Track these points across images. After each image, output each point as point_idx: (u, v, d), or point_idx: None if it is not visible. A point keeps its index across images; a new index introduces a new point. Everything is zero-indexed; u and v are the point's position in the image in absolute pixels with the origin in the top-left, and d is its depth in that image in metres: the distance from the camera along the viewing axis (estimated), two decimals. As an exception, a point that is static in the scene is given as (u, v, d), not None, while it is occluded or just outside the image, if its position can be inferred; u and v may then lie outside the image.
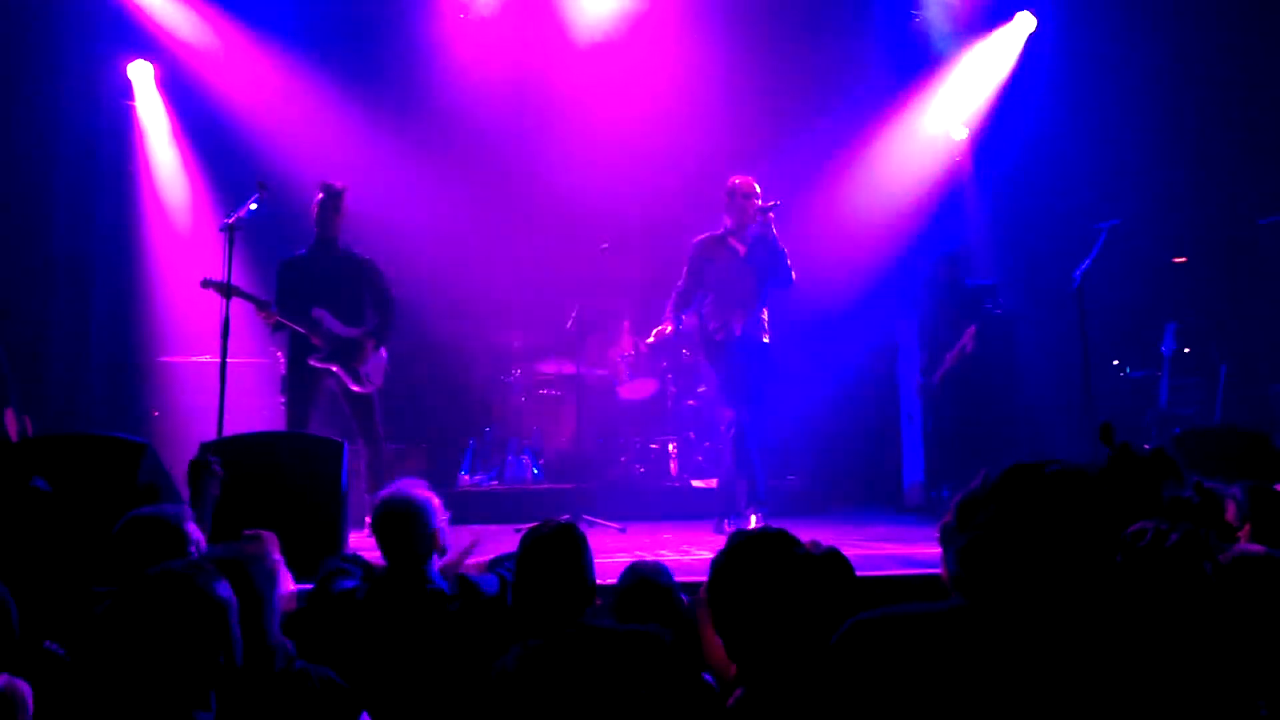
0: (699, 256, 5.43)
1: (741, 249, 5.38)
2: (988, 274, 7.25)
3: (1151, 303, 6.93)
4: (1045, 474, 1.73)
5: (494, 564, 3.04)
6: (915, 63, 7.59)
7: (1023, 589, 1.66)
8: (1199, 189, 7.09)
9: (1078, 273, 5.48)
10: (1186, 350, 6.75)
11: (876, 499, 7.02)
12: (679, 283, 5.51)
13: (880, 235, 7.44)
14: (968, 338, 6.38)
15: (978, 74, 7.64)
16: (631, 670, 2.24)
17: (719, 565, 2.09)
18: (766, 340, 5.41)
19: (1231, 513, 3.10)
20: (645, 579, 2.70)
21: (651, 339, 5.65)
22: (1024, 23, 7.43)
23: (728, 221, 5.42)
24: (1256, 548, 2.27)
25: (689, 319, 5.56)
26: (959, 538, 1.76)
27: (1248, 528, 3.03)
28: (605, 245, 6.17)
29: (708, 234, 5.49)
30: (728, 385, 5.37)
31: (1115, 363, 7.04)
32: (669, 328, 5.49)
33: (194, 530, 2.57)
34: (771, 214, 5.29)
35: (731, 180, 5.44)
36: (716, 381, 5.52)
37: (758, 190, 5.38)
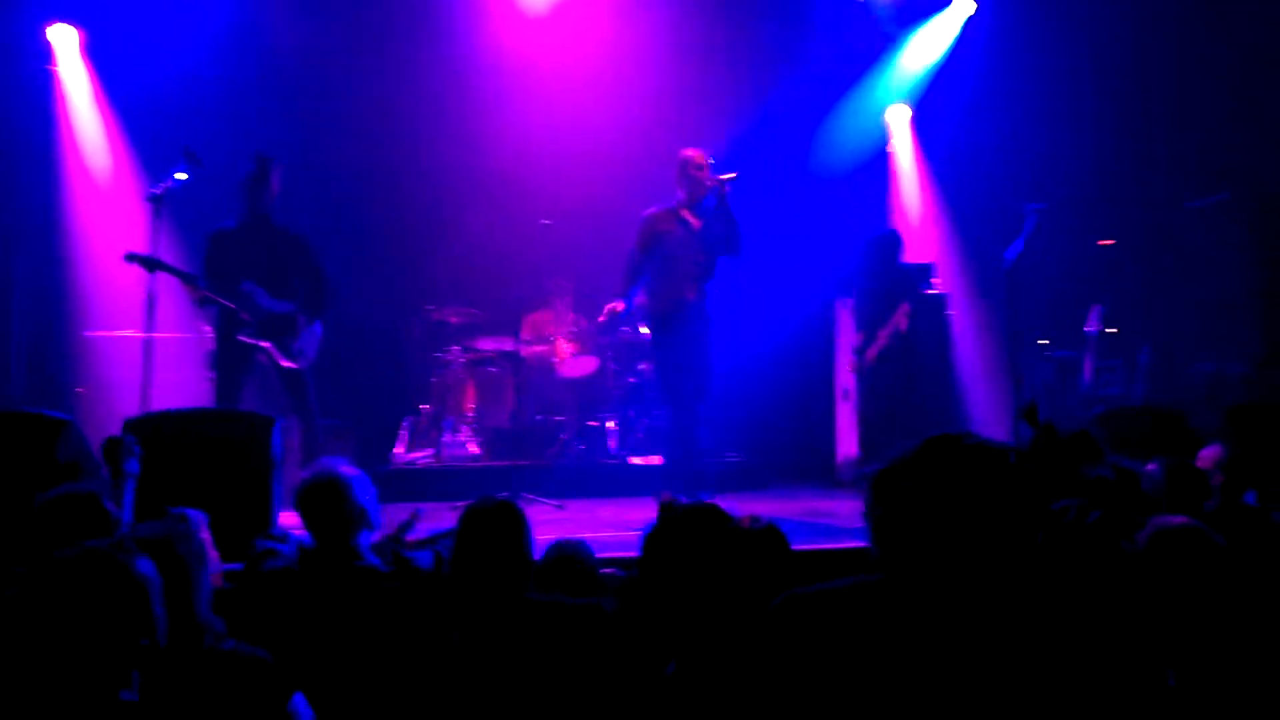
0: (650, 230, 5.32)
1: (695, 222, 5.30)
2: (922, 254, 7.38)
3: (1078, 284, 7.12)
4: (963, 445, 1.71)
5: (430, 541, 3.02)
6: (860, 43, 7.66)
7: (939, 563, 1.65)
8: (1126, 173, 7.29)
9: (1008, 254, 5.60)
10: (1111, 331, 6.95)
11: (811, 474, 7.13)
12: (630, 258, 5.40)
13: (819, 214, 7.53)
14: (900, 315, 6.48)
15: (918, 56, 7.74)
16: (577, 643, 2.25)
17: (652, 539, 2.11)
18: (710, 312, 5.35)
19: (1151, 487, 3.22)
20: (568, 556, 2.71)
21: (603, 317, 5.50)
22: (963, 6, 7.54)
23: (680, 194, 5.33)
24: (1176, 518, 2.33)
25: (641, 294, 5.42)
26: (876, 510, 1.76)
27: (1163, 502, 3.15)
28: (547, 221, 6.13)
29: (659, 206, 5.38)
30: (674, 357, 5.27)
31: (1042, 342, 7.23)
32: (620, 306, 5.37)
33: (112, 509, 2.51)
34: (728, 186, 5.21)
35: (683, 152, 5.35)
36: (662, 354, 5.41)
37: (710, 162, 5.30)
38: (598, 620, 2.30)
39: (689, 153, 5.33)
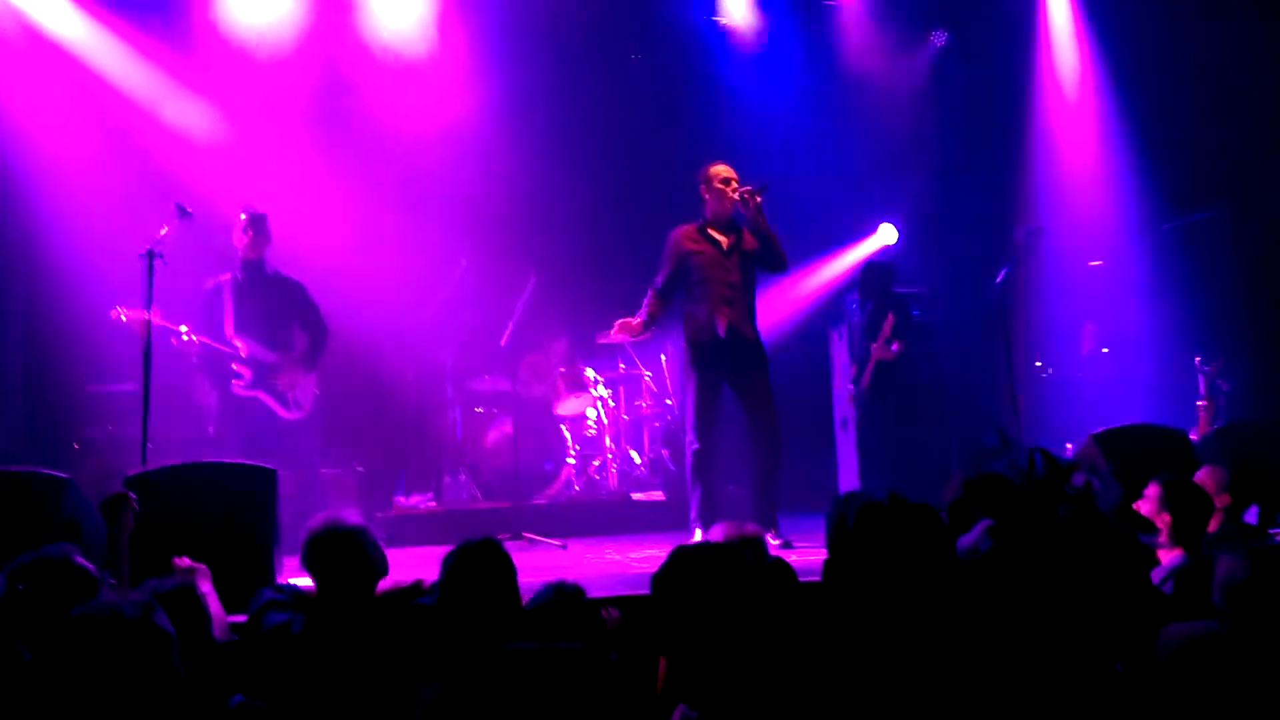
0: (676, 249, 4.97)
1: (725, 240, 4.94)
2: (915, 281, 7.42)
3: (1069, 304, 7.17)
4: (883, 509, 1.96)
5: (435, 588, 3.00)
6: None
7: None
8: (1110, 196, 7.37)
9: (1000, 277, 5.65)
10: (1104, 350, 6.98)
11: (814, 504, 7.10)
12: (657, 277, 5.08)
13: (813, 245, 7.59)
14: (888, 328, 6.44)
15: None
16: (561, 692, 2.19)
17: (664, 580, 2.09)
18: (750, 335, 4.92)
19: (1151, 506, 3.23)
20: (566, 597, 2.69)
21: (615, 329, 5.19)
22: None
23: (706, 212, 5.02)
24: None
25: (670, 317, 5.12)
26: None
27: (1168, 518, 3.16)
28: (463, 261, 6.21)
29: (686, 224, 5.08)
30: (710, 384, 4.91)
31: (1038, 364, 7.26)
32: (636, 321, 5.04)
33: (90, 567, 2.49)
34: (759, 197, 4.83)
35: (705, 169, 5.05)
36: (696, 384, 4.95)
37: (733, 175, 4.94)
38: (584, 667, 2.24)
39: (713, 167, 5.02)
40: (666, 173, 6.84)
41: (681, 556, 2.08)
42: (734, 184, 4.93)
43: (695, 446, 4.96)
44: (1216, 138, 6.85)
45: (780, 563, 2.40)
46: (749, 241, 4.94)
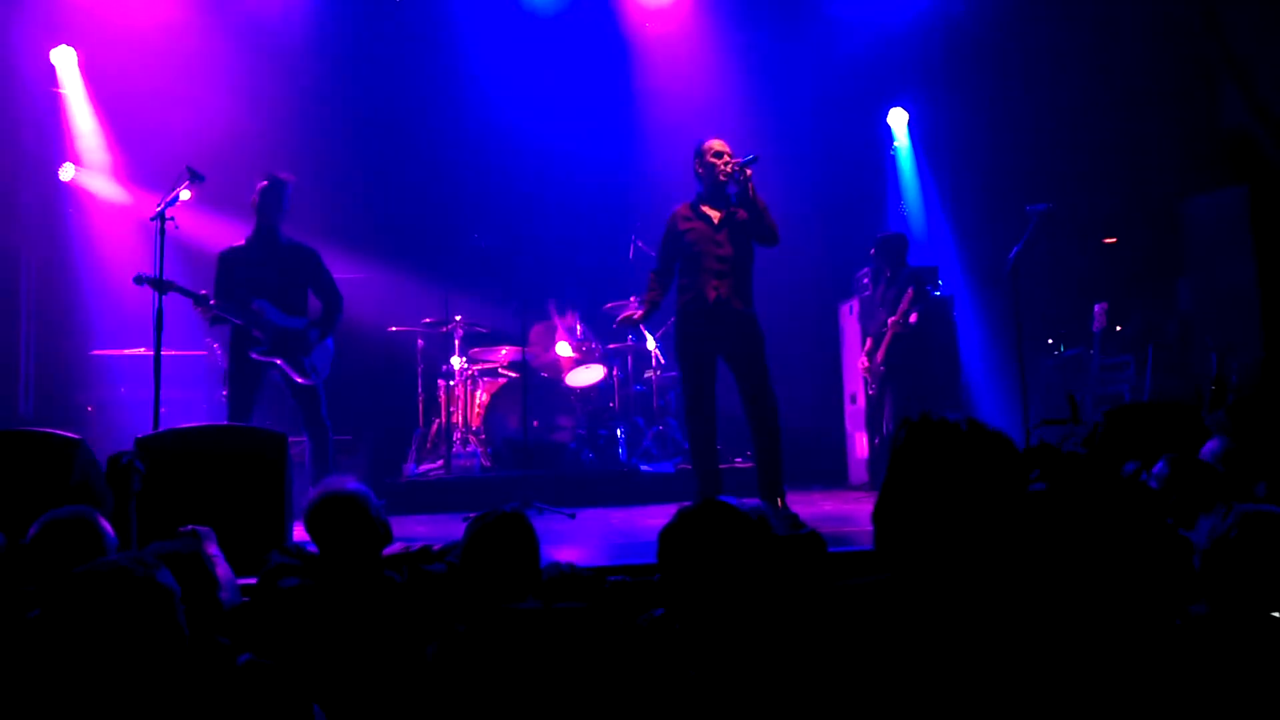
0: (672, 228, 5.08)
1: (715, 215, 4.97)
2: (928, 256, 7.39)
3: (1083, 282, 7.13)
4: (942, 428, 1.75)
5: (442, 553, 3.03)
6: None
7: (929, 549, 1.68)
8: (1125, 172, 7.30)
9: (1012, 255, 5.61)
10: (1118, 328, 6.94)
11: (823, 478, 7.13)
12: (656, 261, 5.21)
13: (824, 218, 7.55)
14: (906, 301, 6.42)
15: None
16: (562, 649, 2.21)
17: (672, 539, 2.06)
18: (741, 308, 4.91)
19: (1160, 484, 3.22)
20: (564, 576, 2.70)
21: (617, 323, 5.34)
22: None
23: (699, 187, 5.07)
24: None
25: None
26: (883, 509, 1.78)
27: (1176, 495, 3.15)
28: (479, 236, 6.25)
29: (682, 204, 5.13)
30: (694, 357, 4.95)
31: (1050, 341, 7.23)
32: (639, 313, 5.18)
33: (107, 529, 2.53)
34: (749, 170, 4.86)
35: (699, 144, 5.09)
36: (682, 355, 5.03)
37: (726, 149, 4.97)
38: (584, 625, 2.26)
39: (705, 143, 5.05)
40: (675, 136, 6.83)
41: (688, 515, 2.06)
42: (725, 158, 4.97)
43: (693, 424, 5.02)
44: (1232, 117, 6.78)
45: (814, 534, 2.39)
46: (741, 216, 4.97)
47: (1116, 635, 1.72)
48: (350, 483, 2.84)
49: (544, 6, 7.48)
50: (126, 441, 4.02)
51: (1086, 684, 1.65)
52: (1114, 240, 7.27)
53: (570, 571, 2.74)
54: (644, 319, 5.27)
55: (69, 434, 3.80)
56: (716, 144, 5.02)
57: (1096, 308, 6.84)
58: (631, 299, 6.45)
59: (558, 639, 2.03)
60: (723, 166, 4.94)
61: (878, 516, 1.78)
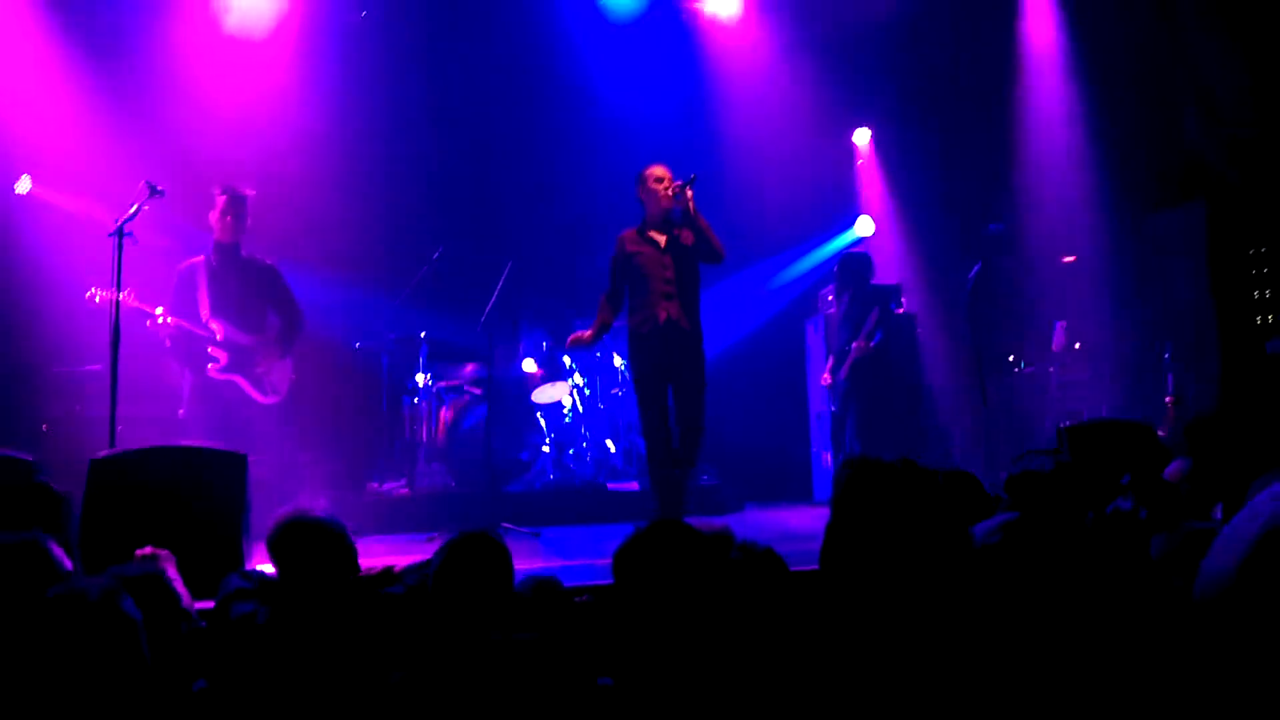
0: (620, 254, 5.23)
1: (661, 238, 5.16)
2: (891, 274, 7.46)
3: (1042, 301, 7.23)
4: (880, 468, 1.89)
5: (400, 576, 2.99)
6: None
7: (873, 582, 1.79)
8: (1083, 191, 7.42)
9: (972, 274, 5.69)
10: (1076, 345, 7.05)
11: (789, 495, 7.16)
12: (606, 283, 5.32)
13: (787, 236, 7.61)
14: (871, 321, 6.48)
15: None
16: (512, 682, 2.18)
17: (630, 565, 2.06)
18: (689, 328, 5.09)
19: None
20: (544, 587, 2.68)
21: (568, 343, 5.43)
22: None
23: (645, 213, 5.22)
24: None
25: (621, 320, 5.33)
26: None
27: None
28: (438, 253, 6.24)
29: (629, 228, 5.27)
30: (648, 378, 5.11)
31: (1010, 359, 7.31)
32: (587, 335, 5.30)
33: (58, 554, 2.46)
34: (689, 190, 5.05)
35: (641, 172, 5.23)
36: (635, 377, 5.24)
37: (666, 174, 5.16)
38: (538, 656, 2.23)
39: (647, 169, 5.21)
40: (641, 159, 6.85)
41: (643, 535, 2.05)
42: (665, 182, 5.12)
43: (652, 441, 5.14)
44: (1190, 135, 6.91)
45: (770, 552, 2.39)
46: (686, 238, 5.12)
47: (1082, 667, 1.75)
48: (318, 508, 2.79)
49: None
50: (82, 459, 3.94)
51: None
52: (1072, 259, 7.39)
53: (550, 584, 2.71)
54: (593, 340, 5.38)
55: (21, 454, 3.72)
56: (658, 170, 5.19)
57: (1056, 325, 6.94)
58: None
59: (516, 671, 2.01)
60: (664, 191, 5.11)
61: (825, 554, 1.89)
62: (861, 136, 8.13)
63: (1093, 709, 1.69)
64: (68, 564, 2.49)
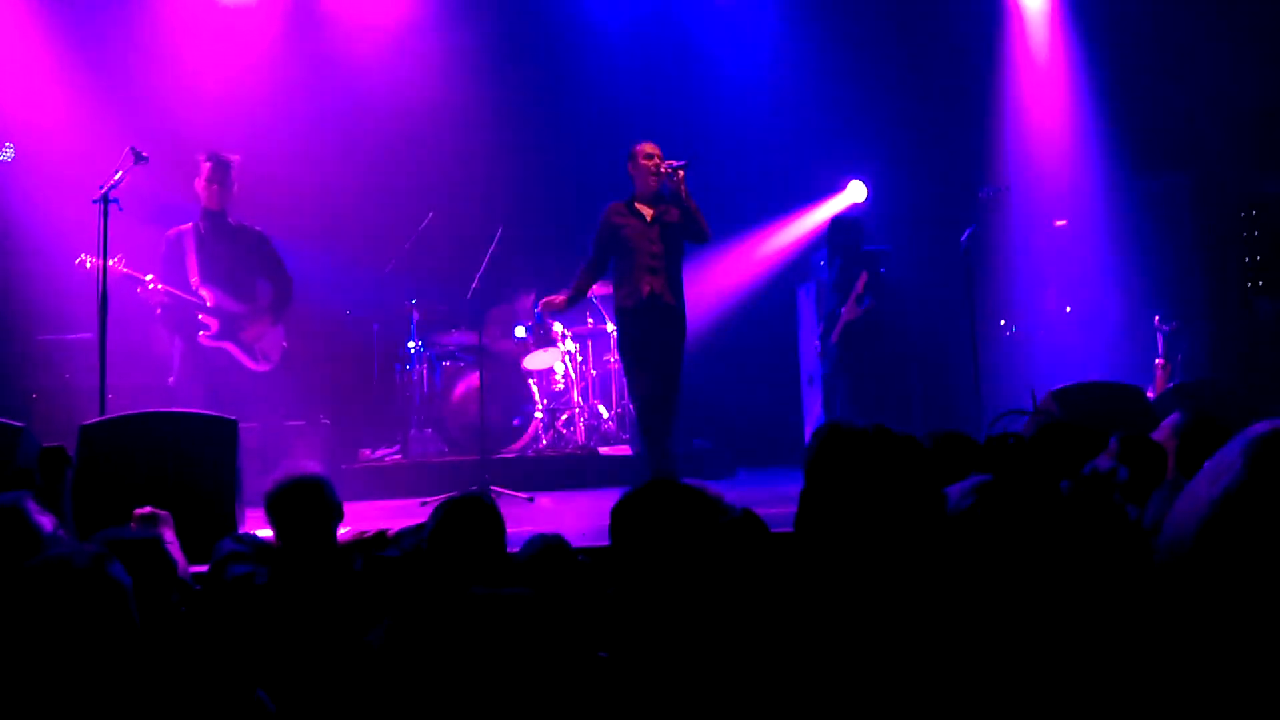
0: (606, 223, 5.31)
1: (649, 212, 5.25)
2: (883, 238, 7.44)
3: (1034, 264, 7.23)
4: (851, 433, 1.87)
5: (397, 538, 3.00)
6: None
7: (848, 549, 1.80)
8: (1075, 156, 7.41)
9: (964, 237, 5.68)
10: (1067, 309, 7.06)
11: (780, 459, 7.18)
12: (590, 251, 5.41)
13: (779, 202, 7.58)
14: (860, 285, 6.49)
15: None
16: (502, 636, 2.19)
17: (624, 516, 2.06)
18: (673, 303, 5.22)
19: (1108, 463, 3.27)
20: (550, 547, 2.70)
21: (539, 306, 5.55)
22: None
23: (634, 187, 5.32)
24: None
25: (600, 288, 5.47)
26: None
27: (1124, 474, 3.21)
28: (427, 219, 6.32)
29: (616, 201, 5.35)
30: (634, 350, 5.25)
31: (1002, 322, 7.33)
32: (560, 299, 5.42)
33: (40, 521, 2.45)
34: (681, 172, 5.16)
35: (632, 148, 5.34)
36: (623, 347, 5.39)
37: (657, 152, 5.27)
38: (524, 612, 2.24)
39: (637, 146, 5.32)
40: (632, 127, 6.80)
41: (642, 491, 2.06)
42: (655, 160, 5.23)
43: (639, 414, 5.26)
44: (1181, 102, 6.90)
45: (749, 513, 2.41)
46: (673, 214, 5.22)
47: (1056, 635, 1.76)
48: (311, 467, 2.81)
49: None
50: (72, 428, 3.93)
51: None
52: (1064, 222, 7.38)
53: (556, 544, 2.72)
54: (567, 306, 5.51)
55: (12, 421, 3.71)
56: (648, 147, 5.30)
57: (1047, 289, 6.95)
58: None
59: (506, 626, 2.02)
60: (652, 168, 5.21)
61: (799, 520, 1.89)
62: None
63: (1064, 673, 1.70)
64: (47, 527, 2.48)
